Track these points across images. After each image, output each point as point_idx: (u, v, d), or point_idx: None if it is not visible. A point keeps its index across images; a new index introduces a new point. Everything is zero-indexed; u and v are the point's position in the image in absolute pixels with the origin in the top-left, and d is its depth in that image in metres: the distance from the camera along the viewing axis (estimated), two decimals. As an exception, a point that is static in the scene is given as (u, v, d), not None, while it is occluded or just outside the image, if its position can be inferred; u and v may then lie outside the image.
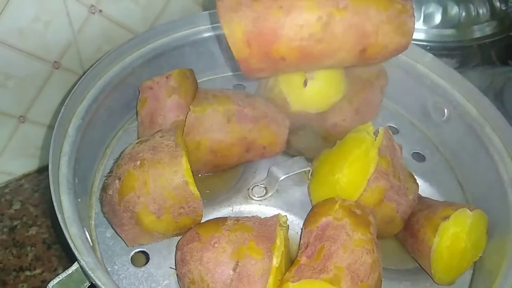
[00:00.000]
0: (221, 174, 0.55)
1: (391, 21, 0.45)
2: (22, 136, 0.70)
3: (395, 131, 0.62)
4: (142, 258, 0.47)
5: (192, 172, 0.45)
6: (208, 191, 0.52)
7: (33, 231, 0.69)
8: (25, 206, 0.71)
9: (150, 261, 0.46)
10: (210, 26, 0.61)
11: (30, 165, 0.75)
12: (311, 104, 0.53)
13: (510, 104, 0.69)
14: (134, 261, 0.47)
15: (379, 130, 0.48)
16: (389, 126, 0.62)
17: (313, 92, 0.52)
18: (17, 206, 0.71)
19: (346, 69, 0.54)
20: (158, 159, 0.43)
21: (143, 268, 0.46)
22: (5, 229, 0.68)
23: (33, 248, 0.67)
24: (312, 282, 0.38)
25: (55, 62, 0.66)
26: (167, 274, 0.45)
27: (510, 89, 0.72)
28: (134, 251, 0.47)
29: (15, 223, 0.69)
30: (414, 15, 0.46)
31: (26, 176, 0.74)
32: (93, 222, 0.49)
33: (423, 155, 0.59)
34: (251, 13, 0.44)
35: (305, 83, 0.52)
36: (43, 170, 0.75)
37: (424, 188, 0.55)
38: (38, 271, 0.65)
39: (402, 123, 0.62)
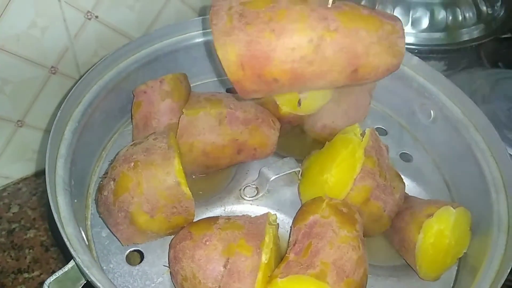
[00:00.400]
0: (214, 175, 0.56)
1: (381, 42, 0.46)
2: (20, 140, 0.71)
3: (384, 132, 0.63)
4: (137, 257, 0.48)
5: (185, 173, 0.46)
6: (201, 192, 0.53)
7: (31, 234, 0.69)
8: (23, 209, 0.72)
9: (145, 259, 0.48)
10: (202, 31, 0.63)
11: (27, 169, 0.75)
12: (300, 107, 0.54)
13: (498, 105, 0.71)
14: (129, 259, 0.48)
15: (366, 131, 0.49)
16: (378, 127, 0.63)
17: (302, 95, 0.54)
18: (15, 209, 0.72)
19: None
20: (151, 161, 0.44)
21: (137, 267, 0.47)
22: (4, 232, 0.69)
23: (31, 250, 0.68)
24: (299, 278, 0.39)
25: (52, 67, 0.67)
26: (161, 271, 0.47)
27: (498, 91, 0.73)
28: (129, 250, 0.48)
29: (13, 226, 0.70)
30: (404, 36, 0.47)
31: (24, 179, 0.75)
32: (89, 223, 0.50)
33: (410, 155, 0.60)
34: (244, 36, 0.44)
35: (299, 103, 0.53)
36: (40, 174, 0.76)
37: (412, 188, 0.56)
38: (36, 273, 0.66)
39: (390, 124, 0.64)
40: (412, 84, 0.61)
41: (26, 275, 0.65)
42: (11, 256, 0.67)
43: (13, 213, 0.71)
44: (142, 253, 0.48)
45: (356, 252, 0.41)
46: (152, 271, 0.47)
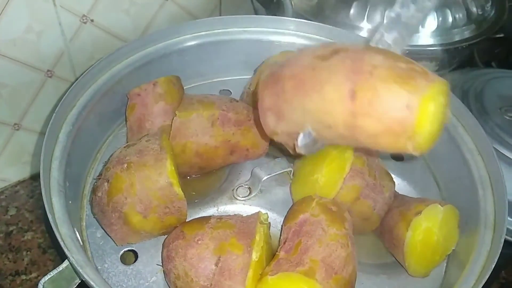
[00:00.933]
0: (208, 176, 0.57)
1: (393, 70, 0.37)
2: (17, 143, 0.71)
3: (376, 132, 0.64)
4: (131, 257, 0.49)
5: (179, 174, 0.47)
6: (194, 193, 0.54)
7: (28, 236, 0.70)
8: (20, 212, 0.73)
9: (139, 259, 0.48)
10: (195, 34, 0.64)
11: (25, 171, 0.76)
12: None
13: (489, 105, 0.71)
14: (123, 259, 0.48)
15: (356, 131, 0.50)
16: (370, 127, 0.64)
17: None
18: (12, 212, 0.73)
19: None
20: (144, 162, 0.45)
21: (132, 266, 0.48)
22: (1, 235, 0.70)
23: (28, 252, 0.68)
24: (289, 275, 0.40)
25: (48, 70, 0.67)
26: (155, 270, 0.47)
27: (490, 90, 0.74)
28: (123, 250, 0.49)
29: (11, 228, 0.71)
30: (433, 81, 0.37)
31: (21, 182, 0.76)
32: (84, 224, 0.51)
33: (401, 155, 0.61)
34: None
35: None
36: (37, 176, 0.77)
37: (403, 187, 0.57)
38: (33, 275, 0.66)
39: (382, 125, 0.65)
40: (402, 84, 0.61)
41: (23, 277, 0.66)
42: (8, 258, 0.67)
43: (11, 215, 0.72)
44: (136, 253, 0.49)
45: (345, 250, 0.42)
46: (146, 270, 0.47)
